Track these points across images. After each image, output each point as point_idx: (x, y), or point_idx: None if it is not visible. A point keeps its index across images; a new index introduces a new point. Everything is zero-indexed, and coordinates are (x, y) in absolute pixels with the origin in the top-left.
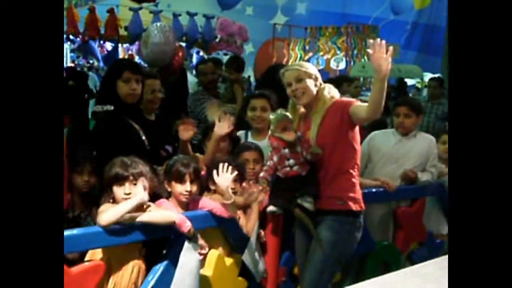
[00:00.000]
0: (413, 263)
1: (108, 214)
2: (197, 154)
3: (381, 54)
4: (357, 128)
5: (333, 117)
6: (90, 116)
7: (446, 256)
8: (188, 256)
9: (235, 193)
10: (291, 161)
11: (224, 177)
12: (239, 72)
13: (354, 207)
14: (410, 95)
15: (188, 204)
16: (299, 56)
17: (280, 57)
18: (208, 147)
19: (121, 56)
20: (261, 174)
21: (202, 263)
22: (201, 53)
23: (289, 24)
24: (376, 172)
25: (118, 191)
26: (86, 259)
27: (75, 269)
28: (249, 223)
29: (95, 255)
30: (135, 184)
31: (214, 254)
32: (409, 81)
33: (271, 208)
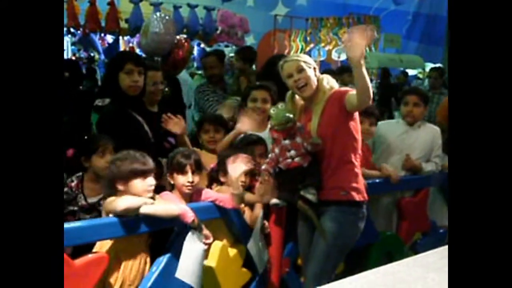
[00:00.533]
0: (416, 253)
1: (126, 200)
2: (195, 149)
3: (355, 38)
4: (357, 118)
5: (333, 107)
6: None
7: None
8: (192, 245)
9: (245, 186)
10: (292, 152)
11: (237, 167)
12: (246, 63)
13: (357, 197)
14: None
15: (192, 196)
16: (300, 47)
17: (281, 48)
18: (224, 140)
19: (122, 48)
20: (263, 167)
21: (206, 253)
22: (202, 45)
23: (290, 16)
24: (381, 163)
25: (140, 184)
26: (93, 251)
27: (79, 261)
28: (253, 215)
29: (103, 247)
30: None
31: (217, 245)
32: (411, 71)
33: (274, 200)
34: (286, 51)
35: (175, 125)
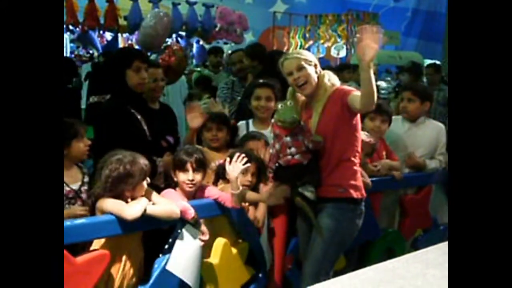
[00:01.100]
0: (417, 249)
1: (135, 208)
2: (200, 147)
3: (368, 41)
4: (358, 116)
5: (334, 106)
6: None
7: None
8: (187, 241)
9: (250, 186)
10: (293, 150)
11: (235, 166)
12: (254, 60)
13: (355, 194)
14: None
15: (195, 193)
16: (299, 44)
17: (281, 45)
18: (185, 139)
19: (121, 45)
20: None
21: (203, 250)
22: (201, 42)
23: (289, 12)
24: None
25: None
26: (91, 249)
27: (80, 258)
28: (258, 213)
29: (100, 244)
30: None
31: (220, 242)
32: None
33: (277, 188)
34: (285, 48)
35: (193, 118)
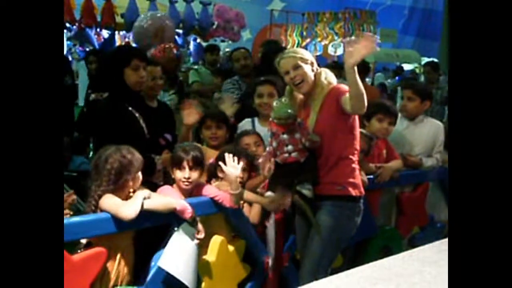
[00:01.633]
0: (414, 247)
1: (131, 207)
2: (199, 145)
3: (359, 46)
4: (356, 115)
5: (331, 104)
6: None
7: (445, 240)
8: (183, 239)
9: (242, 183)
10: (290, 147)
11: (232, 167)
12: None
13: (353, 192)
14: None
15: (192, 191)
16: (296, 42)
17: None
18: (181, 136)
19: (117, 43)
20: (260, 160)
21: (199, 248)
22: (198, 40)
23: (286, 10)
24: None
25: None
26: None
27: (77, 256)
28: (253, 211)
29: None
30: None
31: (217, 239)
32: (407, 66)
33: (269, 193)
34: (283, 45)
35: (188, 115)
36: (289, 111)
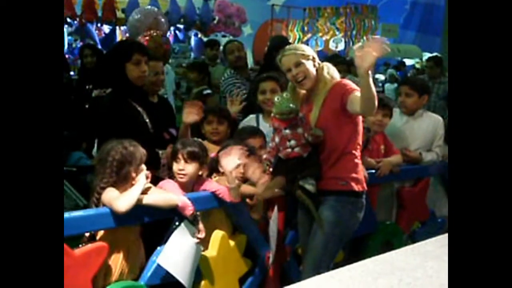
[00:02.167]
0: (415, 242)
1: (125, 200)
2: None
3: (369, 49)
4: None
5: (334, 100)
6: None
7: (447, 234)
8: (183, 237)
9: (243, 179)
10: (292, 142)
11: (230, 160)
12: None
13: (356, 187)
14: (408, 75)
15: (192, 185)
16: (297, 37)
17: None
18: (180, 133)
19: (118, 38)
20: (264, 156)
21: (200, 246)
22: (199, 35)
23: (287, 5)
24: None
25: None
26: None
27: (78, 251)
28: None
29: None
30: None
31: (218, 234)
32: (408, 61)
33: (273, 180)
34: None
35: (188, 114)
36: (291, 105)
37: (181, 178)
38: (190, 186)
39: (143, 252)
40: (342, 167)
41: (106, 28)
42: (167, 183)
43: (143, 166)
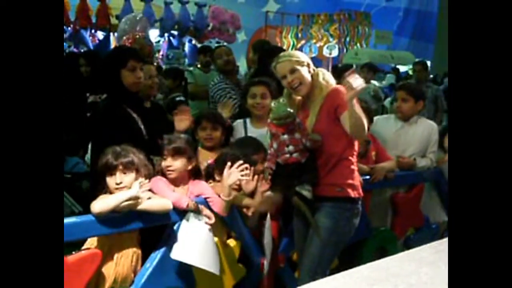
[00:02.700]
0: (409, 248)
1: (99, 203)
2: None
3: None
4: None
5: (331, 107)
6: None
7: (442, 240)
8: (193, 225)
9: (239, 189)
10: (291, 148)
11: (232, 175)
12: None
13: (352, 193)
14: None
15: (188, 184)
16: (291, 43)
17: None
18: None
19: (112, 45)
20: (265, 164)
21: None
22: (194, 42)
23: (281, 12)
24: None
25: (109, 181)
26: (84, 247)
27: (72, 257)
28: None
29: (94, 243)
30: (125, 173)
31: None
32: (401, 68)
33: (268, 193)
34: None
35: (179, 121)
36: (288, 109)
37: (169, 174)
38: (181, 181)
39: (140, 259)
40: (339, 173)
41: (100, 34)
42: (158, 180)
43: (133, 173)
